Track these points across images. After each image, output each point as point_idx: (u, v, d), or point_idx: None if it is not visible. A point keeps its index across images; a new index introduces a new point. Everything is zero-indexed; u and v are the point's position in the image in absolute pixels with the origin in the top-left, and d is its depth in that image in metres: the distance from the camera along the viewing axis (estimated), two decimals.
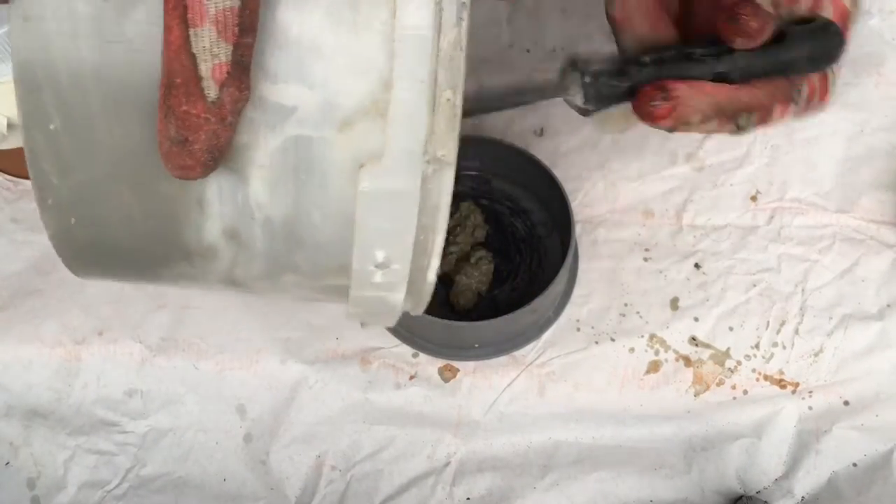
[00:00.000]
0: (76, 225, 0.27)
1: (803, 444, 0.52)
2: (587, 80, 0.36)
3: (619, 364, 0.54)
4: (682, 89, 0.33)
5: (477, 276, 0.54)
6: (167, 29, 0.22)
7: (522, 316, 0.49)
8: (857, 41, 0.64)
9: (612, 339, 0.55)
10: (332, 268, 0.28)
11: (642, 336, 0.55)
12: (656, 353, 0.55)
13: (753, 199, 0.59)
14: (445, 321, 0.49)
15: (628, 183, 0.60)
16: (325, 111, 0.25)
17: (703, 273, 0.57)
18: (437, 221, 0.27)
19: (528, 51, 0.64)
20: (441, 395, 0.54)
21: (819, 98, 0.36)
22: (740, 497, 0.51)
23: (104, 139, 0.25)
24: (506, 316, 0.48)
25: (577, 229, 0.58)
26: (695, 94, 0.33)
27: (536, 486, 0.52)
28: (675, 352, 0.55)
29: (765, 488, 0.52)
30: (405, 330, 0.54)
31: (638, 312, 0.56)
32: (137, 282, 0.33)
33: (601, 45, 0.63)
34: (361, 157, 0.25)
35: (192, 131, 0.23)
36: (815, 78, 0.35)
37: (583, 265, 0.57)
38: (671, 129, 0.34)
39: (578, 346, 0.54)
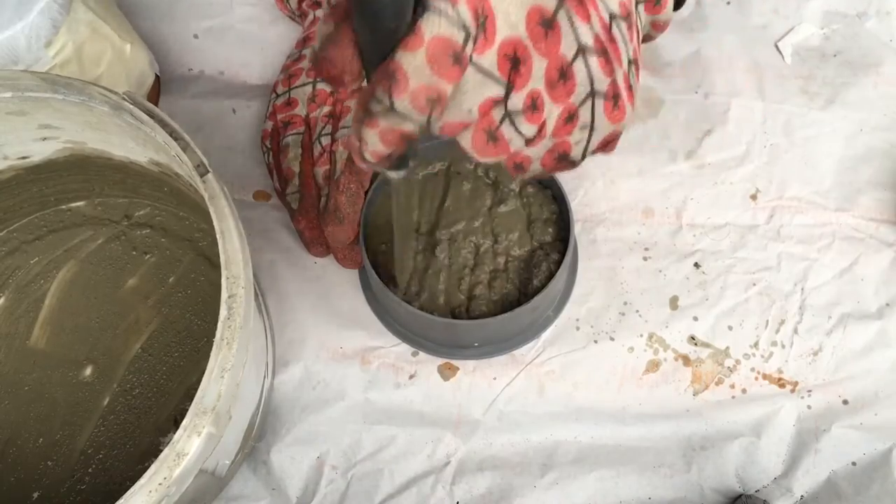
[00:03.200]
0: None
1: (802, 443, 0.52)
2: None
3: (618, 363, 0.54)
4: None
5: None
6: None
7: (522, 315, 0.49)
8: (856, 42, 0.64)
9: (612, 339, 0.55)
10: None
11: (641, 335, 0.55)
12: (655, 352, 0.55)
13: (753, 197, 0.59)
14: (445, 319, 0.49)
15: (628, 181, 0.60)
16: None
17: (703, 272, 0.57)
18: None
19: None
20: (441, 394, 0.54)
21: None
22: (740, 496, 0.51)
23: None
24: (505, 314, 0.48)
25: (577, 228, 0.58)
26: None
27: (536, 485, 0.52)
28: (675, 351, 0.55)
29: (764, 487, 0.52)
30: (404, 328, 0.54)
31: (637, 311, 0.56)
32: None
33: None
34: None
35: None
36: None
37: (582, 264, 0.57)
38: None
39: (578, 345, 0.55)
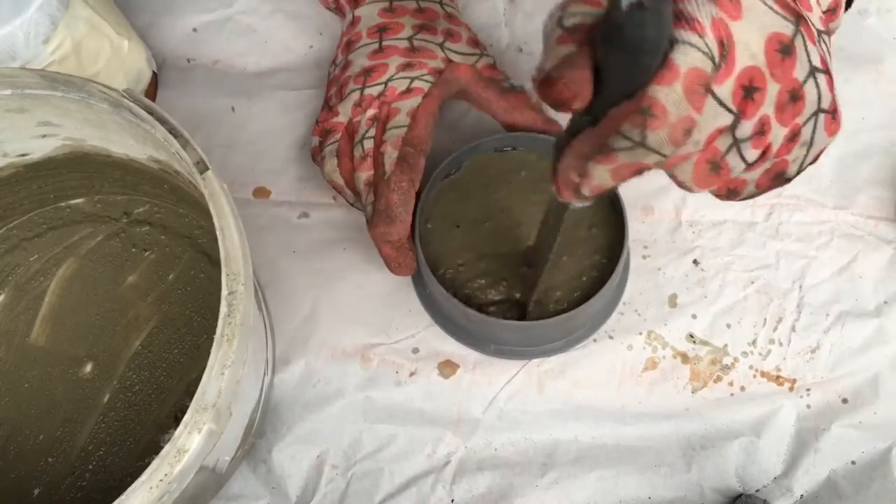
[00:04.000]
0: None
1: (802, 443, 0.52)
2: None
3: (617, 361, 0.54)
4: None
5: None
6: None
7: (556, 325, 0.50)
8: (856, 39, 0.64)
9: (611, 337, 0.55)
10: None
11: (640, 333, 0.55)
12: (654, 349, 0.55)
13: None
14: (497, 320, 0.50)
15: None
16: None
17: (702, 270, 0.57)
18: None
19: (520, 49, 0.64)
20: (441, 392, 0.54)
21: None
22: (740, 495, 0.51)
23: None
24: (530, 322, 0.50)
25: None
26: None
27: (537, 485, 0.52)
28: (673, 349, 0.55)
29: (764, 486, 0.52)
30: (463, 329, 0.55)
31: (636, 310, 0.56)
32: None
33: None
34: None
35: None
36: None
37: None
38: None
39: (577, 343, 0.55)
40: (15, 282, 0.54)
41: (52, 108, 0.43)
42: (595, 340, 0.55)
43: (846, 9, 0.39)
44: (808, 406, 0.53)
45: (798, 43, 0.31)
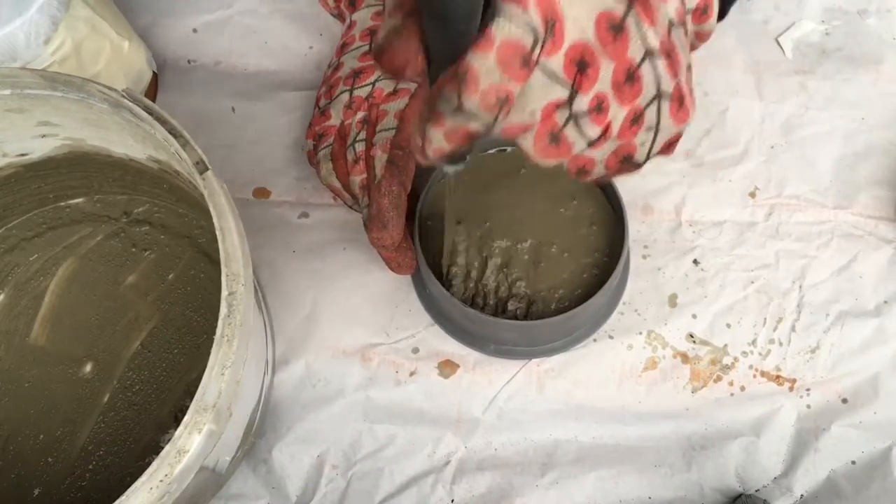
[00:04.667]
0: None
1: (802, 443, 0.52)
2: None
3: (617, 361, 0.54)
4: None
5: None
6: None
7: (557, 324, 0.50)
8: (857, 39, 0.64)
9: (611, 337, 0.55)
10: None
11: (640, 333, 0.55)
12: (654, 349, 0.55)
13: (752, 195, 0.59)
14: (493, 318, 0.50)
15: (627, 179, 0.60)
16: None
17: (702, 269, 0.57)
18: None
19: None
20: (441, 392, 0.54)
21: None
22: (740, 495, 0.51)
23: None
24: (532, 321, 0.49)
25: None
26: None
27: (537, 485, 0.52)
28: (673, 348, 0.55)
29: (764, 486, 0.52)
30: (456, 326, 0.55)
31: (636, 310, 0.56)
32: None
33: None
34: None
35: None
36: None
37: None
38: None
39: (577, 343, 0.55)
40: (15, 281, 0.54)
41: (52, 108, 0.43)
42: (595, 340, 0.55)
43: (720, 18, 0.39)
44: (808, 406, 0.53)
45: (630, 22, 0.31)
